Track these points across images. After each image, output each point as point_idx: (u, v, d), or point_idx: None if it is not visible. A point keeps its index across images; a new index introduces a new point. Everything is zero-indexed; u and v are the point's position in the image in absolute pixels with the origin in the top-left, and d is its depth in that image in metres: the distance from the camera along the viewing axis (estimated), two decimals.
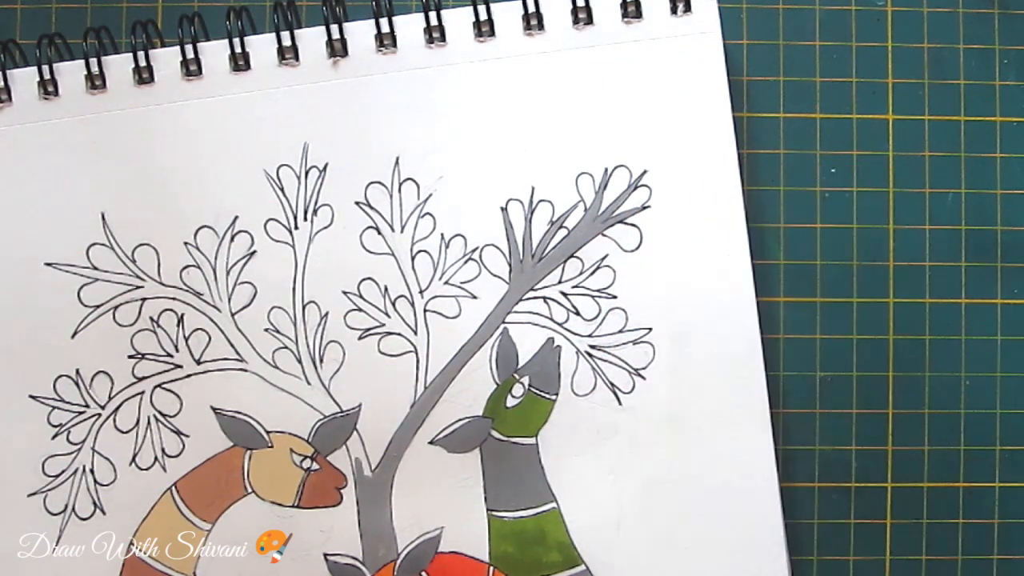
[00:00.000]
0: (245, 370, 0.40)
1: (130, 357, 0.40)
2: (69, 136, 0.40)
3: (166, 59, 0.41)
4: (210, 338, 0.40)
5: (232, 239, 0.40)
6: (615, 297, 0.40)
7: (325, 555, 0.40)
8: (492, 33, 0.41)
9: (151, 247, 0.40)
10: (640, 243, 0.40)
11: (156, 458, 0.40)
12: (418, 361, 0.40)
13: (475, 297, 0.40)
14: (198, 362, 0.40)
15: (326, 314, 0.40)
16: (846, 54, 0.43)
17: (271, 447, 0.40)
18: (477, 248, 0.40)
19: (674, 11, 0.40)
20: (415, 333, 0.40)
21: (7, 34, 0.43)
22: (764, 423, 0.40)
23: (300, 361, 0.40)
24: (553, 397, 0.40)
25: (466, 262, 0.40)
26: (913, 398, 0.43)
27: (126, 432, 0.40)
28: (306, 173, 0.40)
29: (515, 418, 0.40)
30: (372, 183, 0.40)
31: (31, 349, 0.40)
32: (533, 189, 0.40)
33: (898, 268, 0.43)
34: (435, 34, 0.40)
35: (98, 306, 0.40)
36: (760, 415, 0.40)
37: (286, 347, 0.40)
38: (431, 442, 0.40)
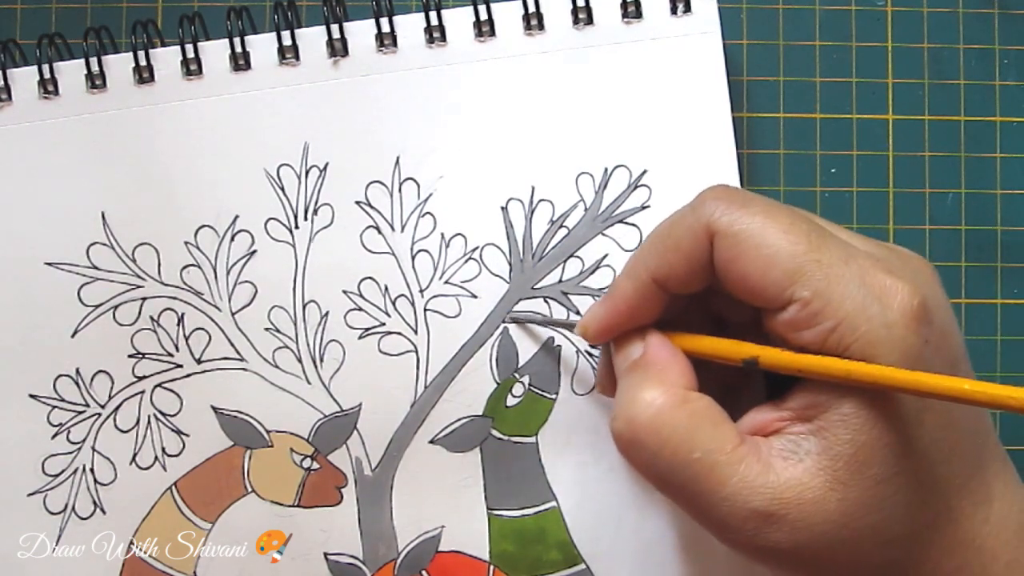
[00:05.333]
0: (245, 369, 0.40)
1: (130, 356, 0.40)
2: (69, 136, 0.40)
3: (166, 59, 0.41)
4: (210, 337, 0.40)
5: (232, 238, 0.40)
6: None
7: (325, 554, 0.40)
8: (492, 33, 0.41)
9: (151, 246, 0.40)
10: (640, 243, 0.40)
11: (156, 457, 0.40)
12: (418, 360, 0.40)
13: (475, 296, 0.40)
14: (198, 361, 0.40)
15: (326, 313, 0.40)
16: (846, 54, 0.43)
17: (271, 446, 0.40)
18: (477, 247, 0.40)
19: (674, 11, 0.40)
20: (415, 332, 0.40)
21: (7, 34, 0.43)
22: None
23: (300, 360, 0.40)
24: (553, 396, 0.40)
25: (466, 261, 0.40)
26: None
27: (126, 431, 0.40)
28: (306, 172, 0.40)
29: (515, 417, 0.40)
30: (372, 182, 0.40)
31: (31, 349, 0.40)
32: (533, 189, 0.40)
33: None
34: (435, 34, 0.40)
35: (98, 305, 0.40)
36: None
37: (286, 346, 0.40)
38: (431, 441, 0.40)
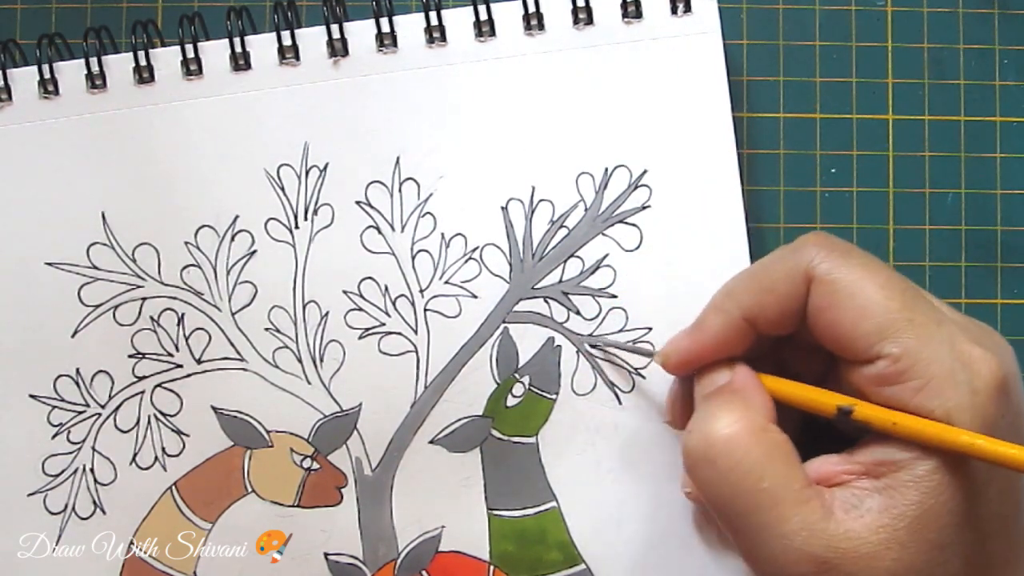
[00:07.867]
0: (245, 369, 0.40)
1: (130, 356, 0.40)
2: (69, 136, 0.40)
3: (166, 59, 0.41)
4: (210, 337, 0.40)
5: (232, 238, 0.40)
6: (615, 296, 0.40)
7: (325, 554, 0.40)
8: (492, 33, 0.41)
9: (151, 246, 0.40)
10: (640, 243, 0.40)
11: (156, 457, 0.40)
12: (418, 360, 0.40)
13: (475, 296, 0.40)
14: (198, 361, 0.40)
15: (326, 313, 0.40)
16: (846, 54, 0.43)
17: (271, 446, 0.40)
18: (477, 247, 0.40)
19: (674, 11, 0.40)
20: (415, 332, 0.40)
21: (7, 34, 0.43)
22: None
23: (300, 360, 0.40)
24: (553, 396, 0.40)
25: (466, 261, 0.40)
26: None
27: (126, 431, 0.40)
28: (306, 172, 0.40)
29: (515, 417, 0.40)
30: (372, 182, 0.40)
31: (31, 349, 0.40)
32: (533, 189, 0.40)
33: (898, 268, 0.43)
34: (435, 34, 0.40)
35: (98, 305, 0.40)
36: None
37: (286, 346, 0.40)
38: (431, 441, 0.40)
